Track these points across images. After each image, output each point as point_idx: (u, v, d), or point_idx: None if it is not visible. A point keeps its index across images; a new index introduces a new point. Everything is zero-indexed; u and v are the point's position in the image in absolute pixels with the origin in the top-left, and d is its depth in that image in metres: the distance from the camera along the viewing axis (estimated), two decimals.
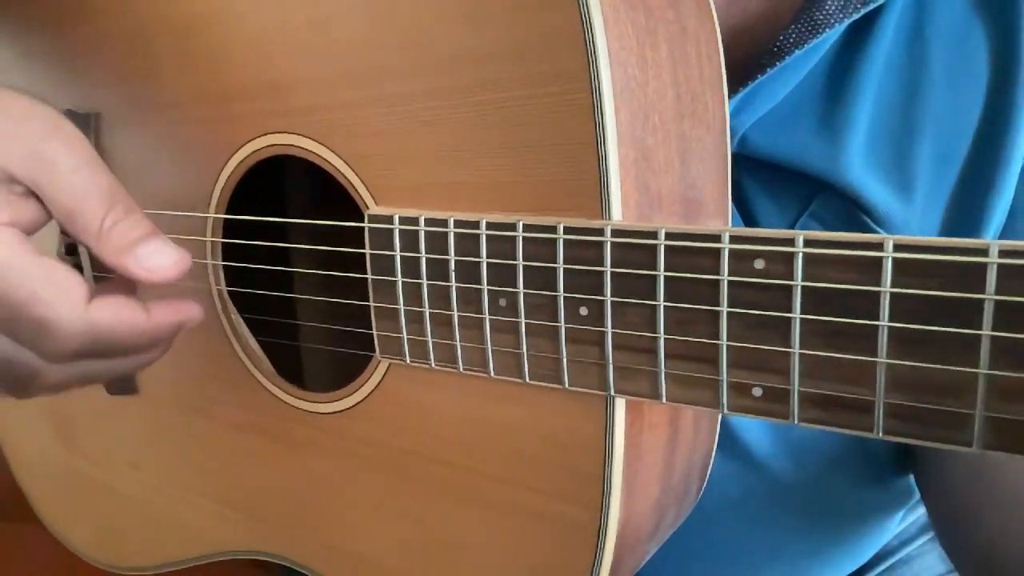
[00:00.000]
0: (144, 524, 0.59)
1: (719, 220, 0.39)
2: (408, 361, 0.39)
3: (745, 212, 0.48)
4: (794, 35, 0.42)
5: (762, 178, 0.46)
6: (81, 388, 0.38)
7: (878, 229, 0.44)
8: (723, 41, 0.46)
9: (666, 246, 0.30)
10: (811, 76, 0.45)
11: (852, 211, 0.44)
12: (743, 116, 0.44)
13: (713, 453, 0.44)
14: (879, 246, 0.26)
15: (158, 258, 0.35)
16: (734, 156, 0.45)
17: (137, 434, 0.57)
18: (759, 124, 0.45)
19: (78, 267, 0.54)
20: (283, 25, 0.41)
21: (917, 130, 0.44)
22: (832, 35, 0.43)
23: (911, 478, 0.58)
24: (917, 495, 0.64)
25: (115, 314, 0.35)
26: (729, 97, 0.43)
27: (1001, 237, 0.46)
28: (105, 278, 0.53)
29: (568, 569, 0.37)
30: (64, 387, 0.37)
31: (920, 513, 0.66)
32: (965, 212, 0.45)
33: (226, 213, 0.47)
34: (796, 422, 0.28)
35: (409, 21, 0.36)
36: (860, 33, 0.44)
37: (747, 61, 0.44)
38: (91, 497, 0.62)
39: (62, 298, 0.33)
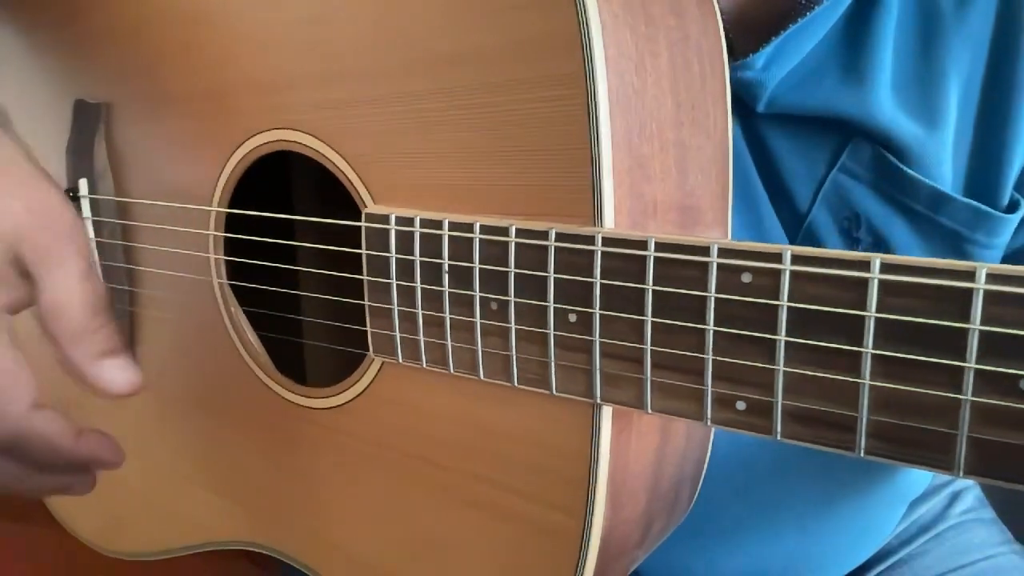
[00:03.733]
0: (144, 512, 0.59)
1: (718, 229, 0.39)
2: (400, 360, 0.39)
3: (772, 176, 0.47)
4: None
5: (791, 136, 0.47)
6: None
7: (910, 171, 0.45)
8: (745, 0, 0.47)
9: (655, 257, 0.30)
10: (831, 29, 0.46)
11: (882, 157, 0.45)
12: (773, 70, 0.45)
13: (706, 462, 0.43)
14: (866, 265, 0.25)
15: (119, 374, 0.38)
16: (761, 117, 0.46)
17: (140, 423, 0.58)
18: (785, 80, 0.45)
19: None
20: (286, 21, 0.41)
21: (939, 70, 0.45)
22: None
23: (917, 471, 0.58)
24: (921, 489, 0.64)
25: (47, 425, 0.37)
26: (757, 51, 0.44)
27: None
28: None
29: (551, 573, 0.37)
30: None
31: (920, 513, 0.66)
32: (988, 138, 0.46)
33: (230, 207, 0.47)
34: (779, 437, 0.28)
35: (410, 20, 0.36)
36: None
37: (771, 17, 0.44)
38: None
39: (8, 391, 0.35)
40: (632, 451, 0.36)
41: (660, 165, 0.35)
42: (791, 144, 0.47)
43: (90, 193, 0.54)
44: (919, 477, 0.60)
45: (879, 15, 0.45)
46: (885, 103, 0.44)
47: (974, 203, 0.45)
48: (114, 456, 0.41)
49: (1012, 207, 0.47)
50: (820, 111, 0.45)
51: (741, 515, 0.55)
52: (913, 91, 0.45)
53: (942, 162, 0.45)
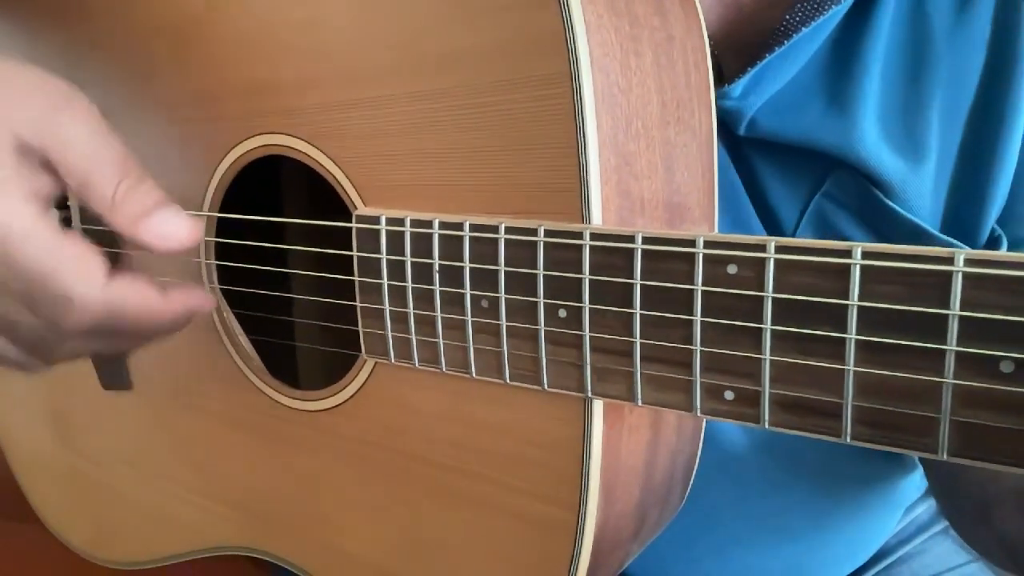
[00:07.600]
0: (138, 520, 0.59)
1: (705, 225, 0.39)
2: (393, 360, 0.40)
3: (758, 196, 0.47)
4: (800, 14, 0.42)
5: (774, 160, 0.46)
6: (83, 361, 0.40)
7: (891, 205, 0.44)
8: (727, 21, 0.46)
9: (643, 250, 0.30)
10: (816, 55, 0.45)
11: (865, 188, 0.44)
12: (752, 98, 0.44)
13: (698, 456, 0.44)
14: (847, 253, 0.26)
15: (170, 226, 0.35)
16: (745, 140, 0.45)
17: (132, 431, 0.58)
18: (767, 106, 0.44)
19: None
20: (274, 26, 0.41)
21: (925, 101, 0.44)
22: (838, 12, 0.43)
23: (914, 476, 0.59)
24: (919, 493, 0.65)
25: (133, 293, 0.36)
26: (737, 79, 0.44)
27: (1010, 197, 0.46)
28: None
29: (547, 568, 0.37)
30: (74, 358, 0.39)
31: (919, 512, 0.67)
32: (971, 174, 0.45)
33: (220, 212, 0.47)
34: (767, 426, 0.29)
35: (396, 23, 0.37)
36: (862, 9, 0.44)
37: (753, 42, 0.44)
38: (87, 494, 0.63)
39: (82, 274, 0.34)
40: (624, 444, 0.36)
41: (647, 163, 0.35)
42: (774, 169, 0.46)
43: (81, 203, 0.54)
44: (914, 481, 0.61)
45: (868, 39, 0.44)
46: (868, 136, 0.43)
47: (953, 241, 0.45)
48: (207, 304, 0.40)
49: (993, 242, 0.46)
50: (802, 141, 0.44)
51: (735, 528, 0.55)
52: (899, 122, 0.44)
53: (923, 195, 0.45)
